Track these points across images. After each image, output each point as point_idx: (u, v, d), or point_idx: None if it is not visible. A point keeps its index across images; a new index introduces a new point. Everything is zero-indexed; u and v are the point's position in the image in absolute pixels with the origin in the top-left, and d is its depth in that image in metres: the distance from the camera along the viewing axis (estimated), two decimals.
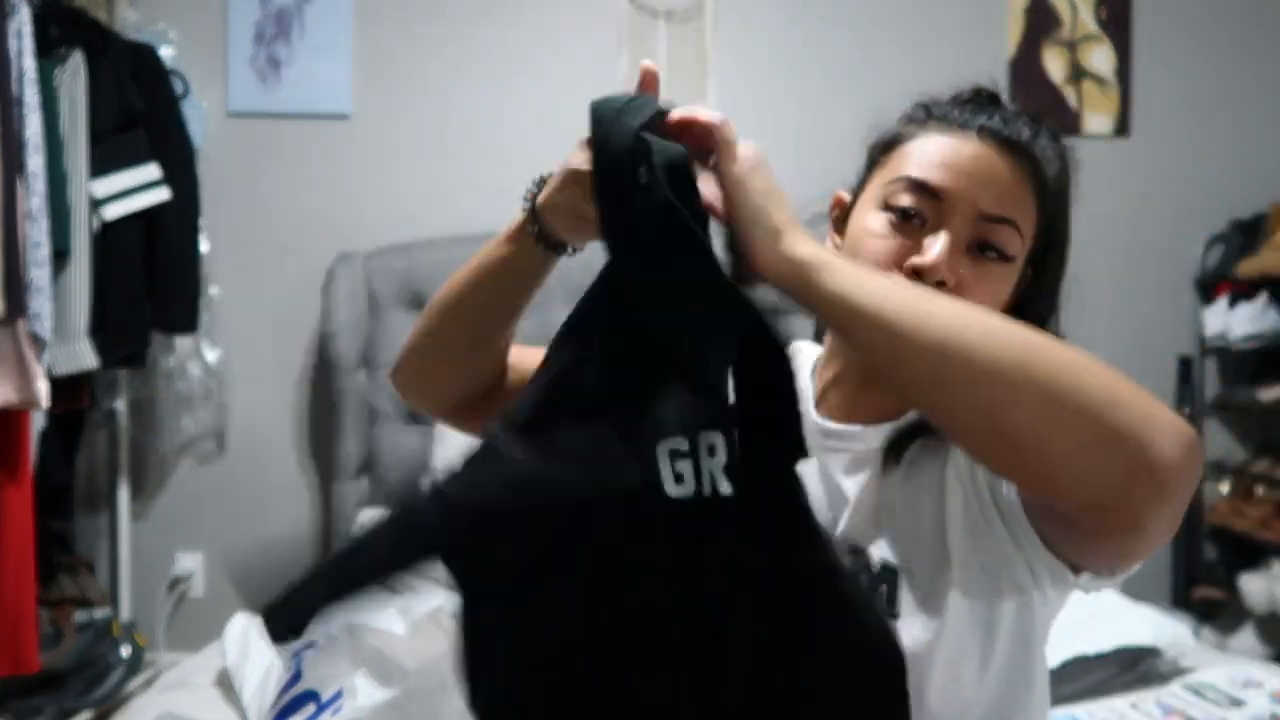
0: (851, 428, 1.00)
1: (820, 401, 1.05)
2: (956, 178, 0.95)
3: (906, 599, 0.92)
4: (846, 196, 1.06)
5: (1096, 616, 1.92)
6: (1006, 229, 0.95)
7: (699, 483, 0.77)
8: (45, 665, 2.57)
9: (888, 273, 0.93)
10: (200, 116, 3.05)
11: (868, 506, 0.97)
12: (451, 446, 2.82)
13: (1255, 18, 3.22)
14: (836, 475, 1.00)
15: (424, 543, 0.77)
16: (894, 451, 0.96)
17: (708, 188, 0.82)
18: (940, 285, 0.93)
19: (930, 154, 0.97)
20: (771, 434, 0.80)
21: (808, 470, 0.88)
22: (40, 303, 2.33)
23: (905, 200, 0.96)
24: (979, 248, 0.95)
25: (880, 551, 0.94)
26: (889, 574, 0.93)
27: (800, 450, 0.81)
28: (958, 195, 0.95)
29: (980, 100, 1.01)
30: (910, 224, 0.96)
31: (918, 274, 0.93)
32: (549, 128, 3.20)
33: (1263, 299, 3.01)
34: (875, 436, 0.99)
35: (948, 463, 0.93)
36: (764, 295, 0.81)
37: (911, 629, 0.91)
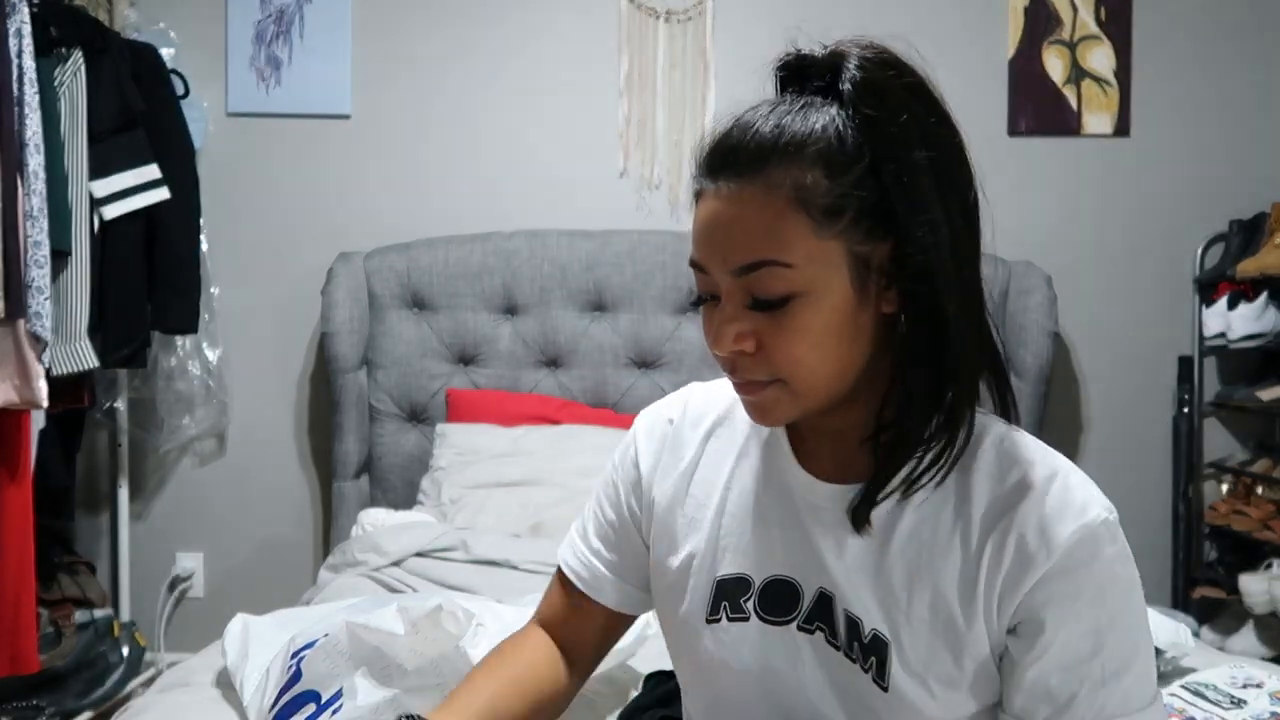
0: (836, 487, 0.95)
1: (799, 451, 0.99)
2: (704, 245, 0.90)
3: (897, 672, 0.90)
4: None
5: None
6: (764, 272, 0.86)
7: None
8: (45, 665, 2.57)
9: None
10: (200, 116, 3.05)
11: (863, 572, 0.93)
12: (451, 447, 2.82)
13: (1254, 18, 3.22)
14: (821, 537, 0.95)
15: None
16: (860, 514, 0.91)
17: None
18: (741, 357, 0.89)
19: (694, 229, 0.92)
20: None
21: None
22: (40, 303, 2.33)
23: (698, 285, 0.92)
24: (754, 302, 0.88)
25: (872, 621, 0.92)
26: (880, 645, 0.91)
27: None
28: (711, 263, 0.90)
29: (721, 140, 0.93)
30: (714, 304, 0.91)
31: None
32: (548, 128, 3.20)
33: (1262, 299, 3.01)
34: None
35: (965, 548, 0.90)
36: None
37: (901, 700, 0.90)
